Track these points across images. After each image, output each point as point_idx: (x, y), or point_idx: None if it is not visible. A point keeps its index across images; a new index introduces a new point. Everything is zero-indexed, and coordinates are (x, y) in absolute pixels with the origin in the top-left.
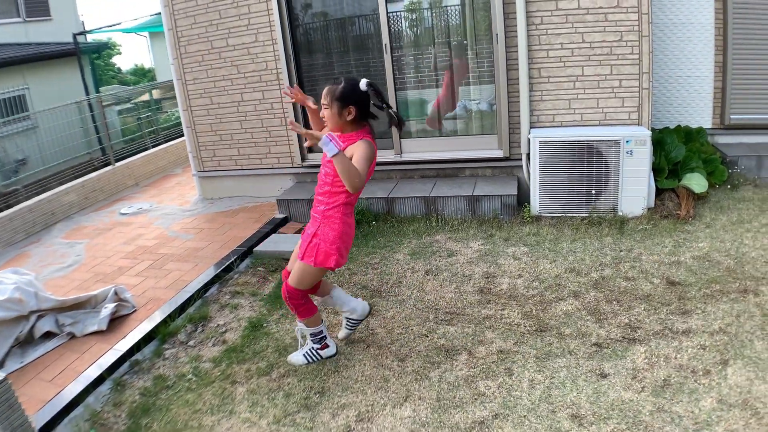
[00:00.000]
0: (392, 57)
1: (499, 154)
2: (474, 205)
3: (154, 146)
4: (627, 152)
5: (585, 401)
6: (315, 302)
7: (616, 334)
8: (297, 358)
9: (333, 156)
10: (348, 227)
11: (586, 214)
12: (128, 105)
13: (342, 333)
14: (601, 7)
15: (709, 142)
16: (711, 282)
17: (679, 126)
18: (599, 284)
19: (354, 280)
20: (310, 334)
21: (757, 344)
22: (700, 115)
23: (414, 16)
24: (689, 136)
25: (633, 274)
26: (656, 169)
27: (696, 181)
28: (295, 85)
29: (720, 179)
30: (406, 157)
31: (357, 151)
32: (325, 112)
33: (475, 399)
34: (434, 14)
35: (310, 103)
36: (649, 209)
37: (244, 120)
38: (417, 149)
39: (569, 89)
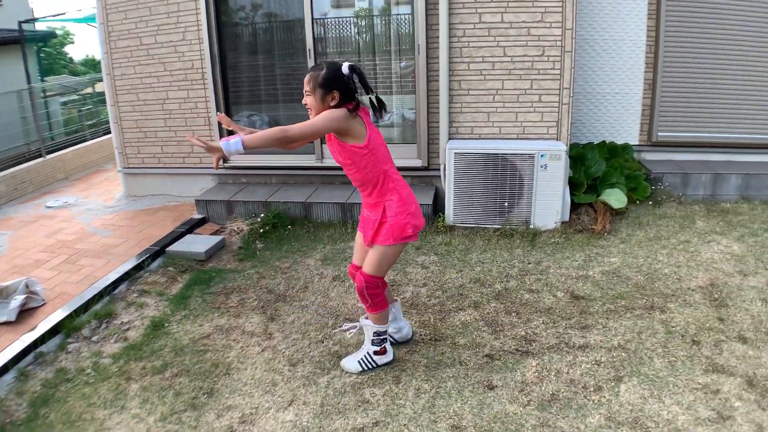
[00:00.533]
0: (316, 62)
1: (418, 163)
2: None
3: (94, 139)
4: (541, 166)
5: (468, 412)
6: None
7: (510, 346)
8: (351, 364)
9: (244, 149)
10: (403, 189)
11: (499, 226)
12: (74, 96)
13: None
14: (524, 22)
15: (635, 158)
16: (617, 297)
17: (604, 142)
18: (501, 295)
19: (262, 283)
20: (374, 333)
21: (656, 362)
22: (628, 132)
23: (338, 23)
24: (614, 151)
25: (537, 286)
26: (575, 184)
27: (615, 197)
28: (220, 113)
29: (642, 195)
30: (327, 162)
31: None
32: (307, 99)
33: (359, 406)
34: (359, 22)
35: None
36: (563, 223)
37: (169, 118)
38: None
39: (489, 102)
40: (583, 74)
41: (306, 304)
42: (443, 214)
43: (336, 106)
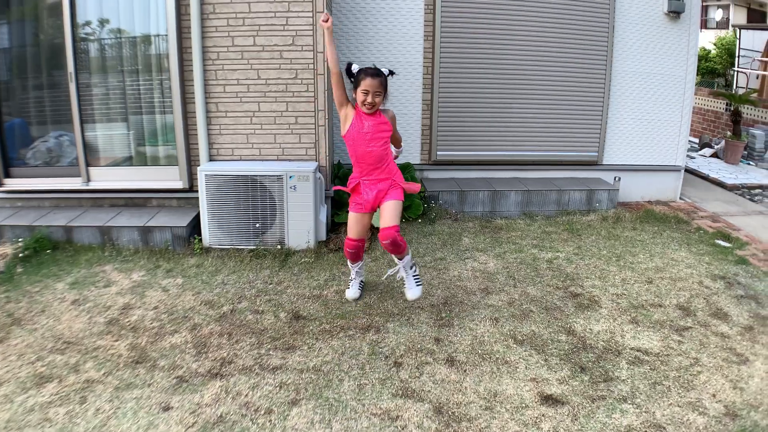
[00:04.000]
0: (78, 85)
1: (180, 185)
2: (146, 236)
3: None
4: (291, 187)
5: None
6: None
7: (206, 368)
8: (416, 291)
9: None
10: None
11: (254, 247)
12: None
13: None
14: (276, 45)
15: (417, 177)
16: (338, 317)
17: None
18: (225, 317)
19: (6, 307)
20: (411, 266)
21: (345, 384)
22: (409, 151)
23: (99, 46)
24: None
25: (266, 307)
26: (341, 203)
27: (377, 216)
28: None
29: (415, 213)
30: (93, 185)
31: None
32: (377, 100)
33: (39, 424)
34: (117, 42)
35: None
36: (321, 242)
37: None
38: (105, 178)
39: (247, 124)
40: None
41: (36, 328)
42: (199, 236)
43: None
